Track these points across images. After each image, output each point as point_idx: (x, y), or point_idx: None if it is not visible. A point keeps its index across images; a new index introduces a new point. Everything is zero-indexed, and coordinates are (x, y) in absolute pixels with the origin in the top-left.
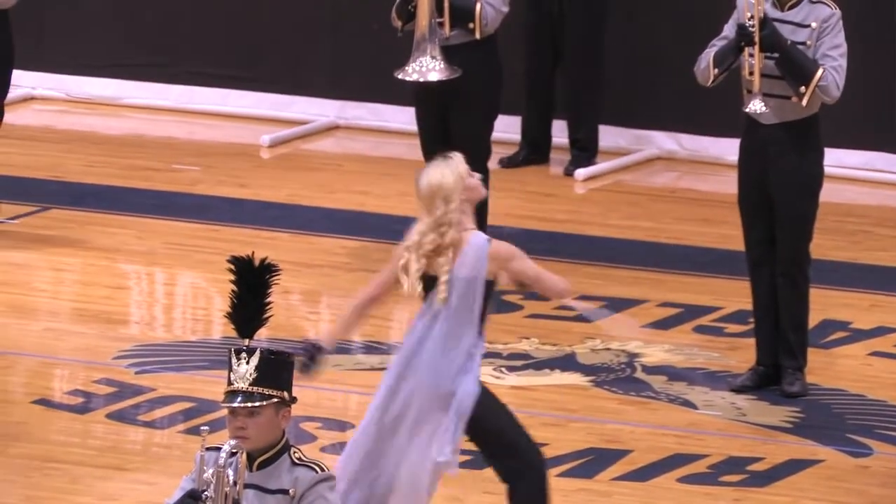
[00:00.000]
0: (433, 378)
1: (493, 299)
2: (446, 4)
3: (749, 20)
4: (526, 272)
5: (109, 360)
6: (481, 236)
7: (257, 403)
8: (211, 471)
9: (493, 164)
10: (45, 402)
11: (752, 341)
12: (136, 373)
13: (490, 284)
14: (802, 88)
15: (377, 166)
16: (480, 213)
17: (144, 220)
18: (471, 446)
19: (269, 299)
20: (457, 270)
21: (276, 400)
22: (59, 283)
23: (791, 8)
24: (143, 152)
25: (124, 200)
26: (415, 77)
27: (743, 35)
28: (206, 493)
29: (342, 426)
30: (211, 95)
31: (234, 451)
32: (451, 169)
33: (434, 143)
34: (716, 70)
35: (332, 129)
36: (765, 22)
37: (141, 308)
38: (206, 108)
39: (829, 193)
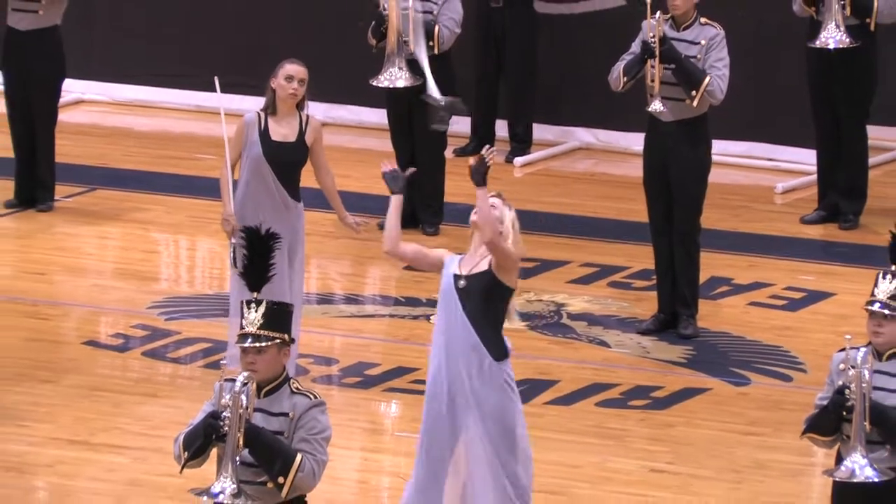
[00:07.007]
0: None
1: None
2: (411, 27)
3: (651, 38)
4: None
5: (144, 309)
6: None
7: (264, 343)
8: (228, 396)
9: (448, 153)
10: (92, 343)
11: (654, 294)
12: (166, 319)
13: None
14: (693, 93)
15: None
16: (437, 194)
17: (171, 199)
18: None
19: (273, 261)
20: None
21: (278, 341)
22: (104, 248)
23: (685, 28)
24: (170, 145)
25: (155, 183)
26: (385, 84)
27: (647, 50)
28: (224, 413)
29: (328, 361)
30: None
31: (245, 381)
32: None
33: (401, 136)
34: (625, 78)
35: None
36: (664, 40)
37: (169, 268)
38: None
39: (715, 176)
